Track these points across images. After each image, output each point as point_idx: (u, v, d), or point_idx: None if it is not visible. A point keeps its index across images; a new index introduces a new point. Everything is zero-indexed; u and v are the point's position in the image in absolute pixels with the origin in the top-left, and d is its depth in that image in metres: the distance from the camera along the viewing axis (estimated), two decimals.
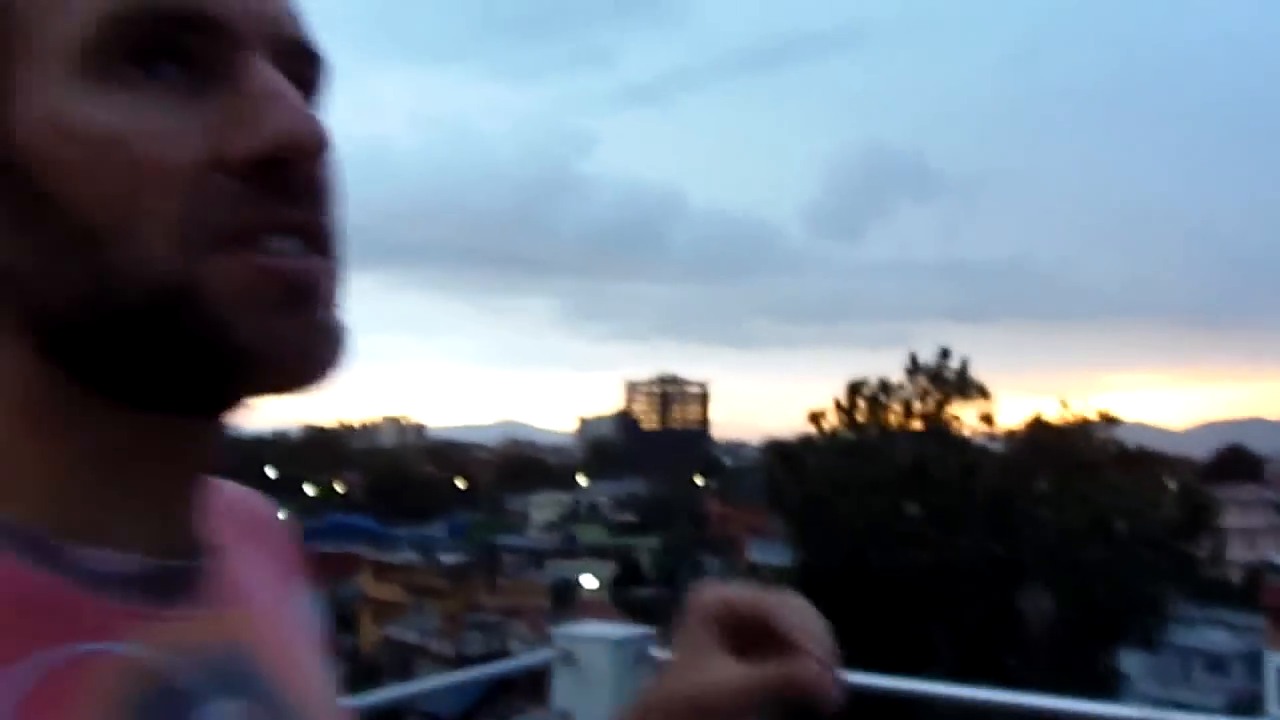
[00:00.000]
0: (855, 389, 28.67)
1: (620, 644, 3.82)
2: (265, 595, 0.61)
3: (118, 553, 0.50)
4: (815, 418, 28.50)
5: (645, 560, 60.82)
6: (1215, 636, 36.02)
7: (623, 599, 43.40)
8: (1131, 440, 33.08)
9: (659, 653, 4.01)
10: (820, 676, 0.66)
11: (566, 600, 41.28)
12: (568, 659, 3.69)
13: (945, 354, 29.06)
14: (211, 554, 0.56)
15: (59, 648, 0.46)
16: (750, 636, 0.70)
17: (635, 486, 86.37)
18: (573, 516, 74.35)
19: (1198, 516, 27.40)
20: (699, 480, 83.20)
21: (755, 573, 37.45)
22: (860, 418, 28.42)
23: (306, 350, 0.49)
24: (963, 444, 28.03)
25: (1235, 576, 39.92)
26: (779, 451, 28.67)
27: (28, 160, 0.46)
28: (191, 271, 0.46)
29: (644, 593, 47.03)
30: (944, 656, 22.92)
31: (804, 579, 26.20)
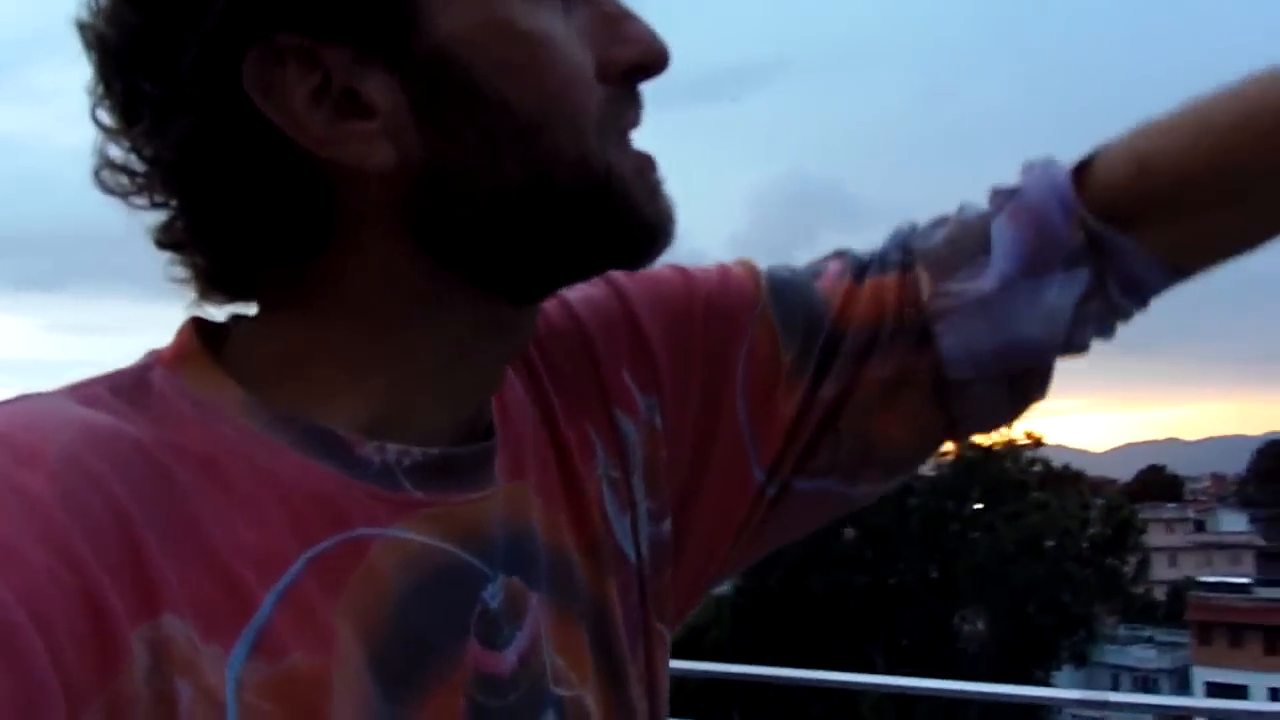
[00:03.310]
0: None
1: None
2: (549, 456, 0.61)
3: (407, 446, 0.52)
4: None
5: None
6: (1143, 653, 36.65)
7: None
8: (1056, 462, 33.63)
9: None
10: None
11: None
12: None
13: None
14: (500, 431, 0.58)
15: (332, 534, 0.49)
16: None
17: None
18: None
19: (1123, 533, 27.94)
20: None
21: None
22: None
23: (671, 223, 0.55)
24: None
25: (1160, 594, 40.74)
26: None
27: (467, 62, 0.48)
28: (608, 161, 0.52)
29: None
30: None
31: (743, 602, 26.12)
